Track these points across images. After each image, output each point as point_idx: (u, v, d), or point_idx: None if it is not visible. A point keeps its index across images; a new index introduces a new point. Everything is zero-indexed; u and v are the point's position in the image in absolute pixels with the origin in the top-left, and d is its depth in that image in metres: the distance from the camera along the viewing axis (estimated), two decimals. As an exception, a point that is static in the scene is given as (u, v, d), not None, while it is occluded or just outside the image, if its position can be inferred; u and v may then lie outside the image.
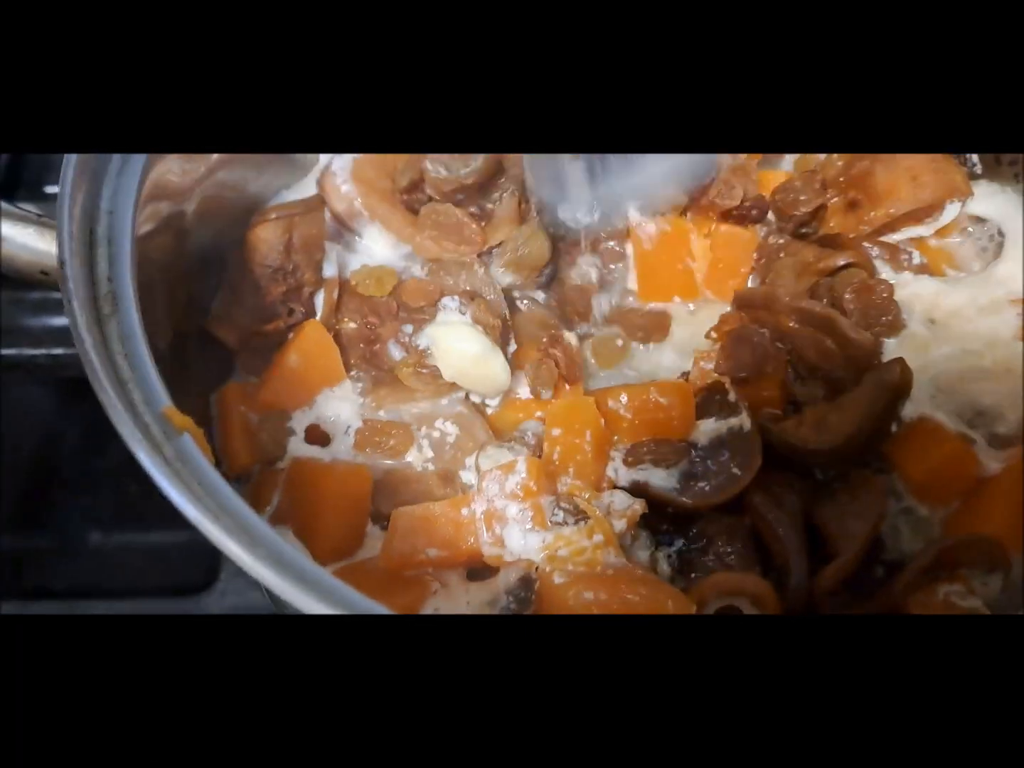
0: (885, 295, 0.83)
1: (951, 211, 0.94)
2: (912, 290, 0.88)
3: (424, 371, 0.81)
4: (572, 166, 0.82)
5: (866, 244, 0.90)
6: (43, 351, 0.98)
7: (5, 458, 1.10)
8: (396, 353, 0.84)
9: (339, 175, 0.89)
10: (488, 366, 0.81)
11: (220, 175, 0.83)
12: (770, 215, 0.93)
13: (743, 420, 0.77)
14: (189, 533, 1.04)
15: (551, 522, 0.70)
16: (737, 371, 0.81)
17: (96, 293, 0.61)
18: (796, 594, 0.70)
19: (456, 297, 0.82)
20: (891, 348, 0.84)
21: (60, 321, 1.20)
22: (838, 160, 0.94)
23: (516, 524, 0.70)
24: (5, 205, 0.68)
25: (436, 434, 0.81)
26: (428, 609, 0.70)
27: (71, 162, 0.64)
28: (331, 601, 0.51)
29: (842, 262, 0.86)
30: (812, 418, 0.76)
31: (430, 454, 0.81)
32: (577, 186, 0.83)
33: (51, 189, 1.13)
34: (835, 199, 0.92)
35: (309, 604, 0.50)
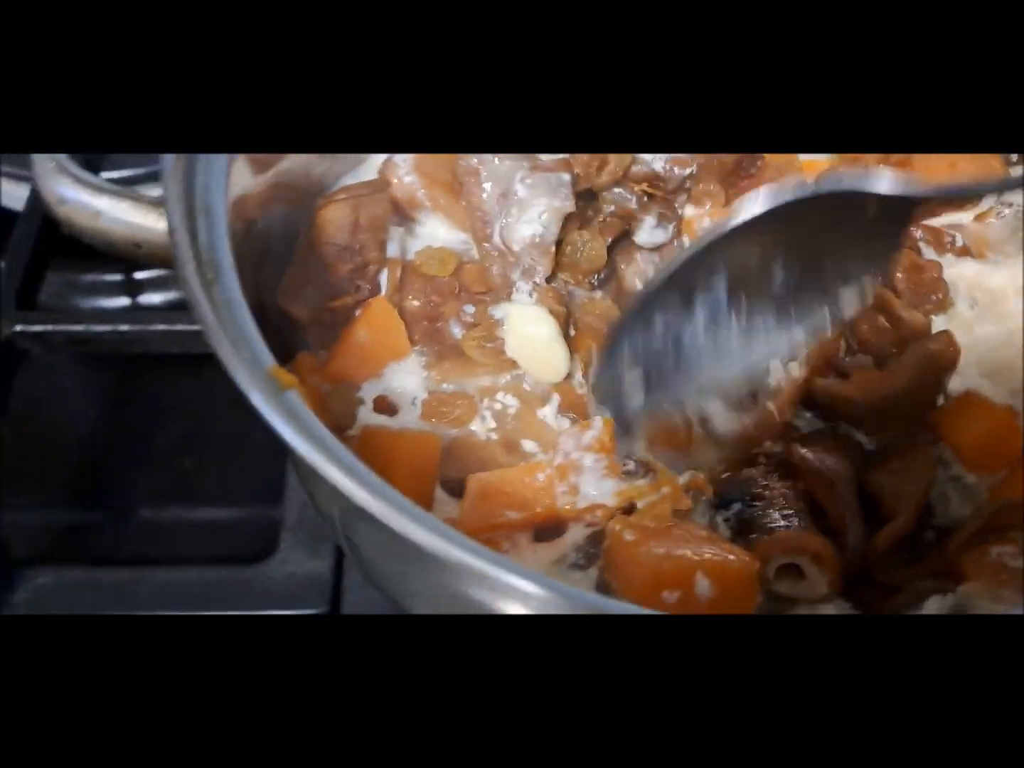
0: (935, 275, 0.87)
1: (989, 197, 0.97)
2: (956, 271, 0.91)
3: (488, 345, 0.85)
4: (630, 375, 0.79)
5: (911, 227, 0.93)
6: (109, 327, 1.00)
7: (64, 433, 1.14)
8: (457, 331, 0.88)
9: (402, 166, 0.92)
10: (553, 352, 0.85)
11: (287, 163, 0.87)
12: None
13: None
14: (245, 509, 1.10)
15: (624, 472, 0.75)
16: None
17: (199, 261, 0.65)
18: (853, 554, 0.73)
19: (529, 281, 0.85)
20: (938, 326, 0.87)
21: (111, 303, 1.25)
22: None
23: (591, 472, 0.75)
24: (100, 180, 0.72)
25: (498, 406, 0.85)
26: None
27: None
28: (441, 536, 0.55)
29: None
30: (858, 379, 0.80)
31: (493, 424, 0.84)
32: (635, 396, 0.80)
33: (106, 175, 1.16)
34: None
35: (427, 537, 0.54)
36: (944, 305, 0.87)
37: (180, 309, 1.00)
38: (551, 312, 0.86)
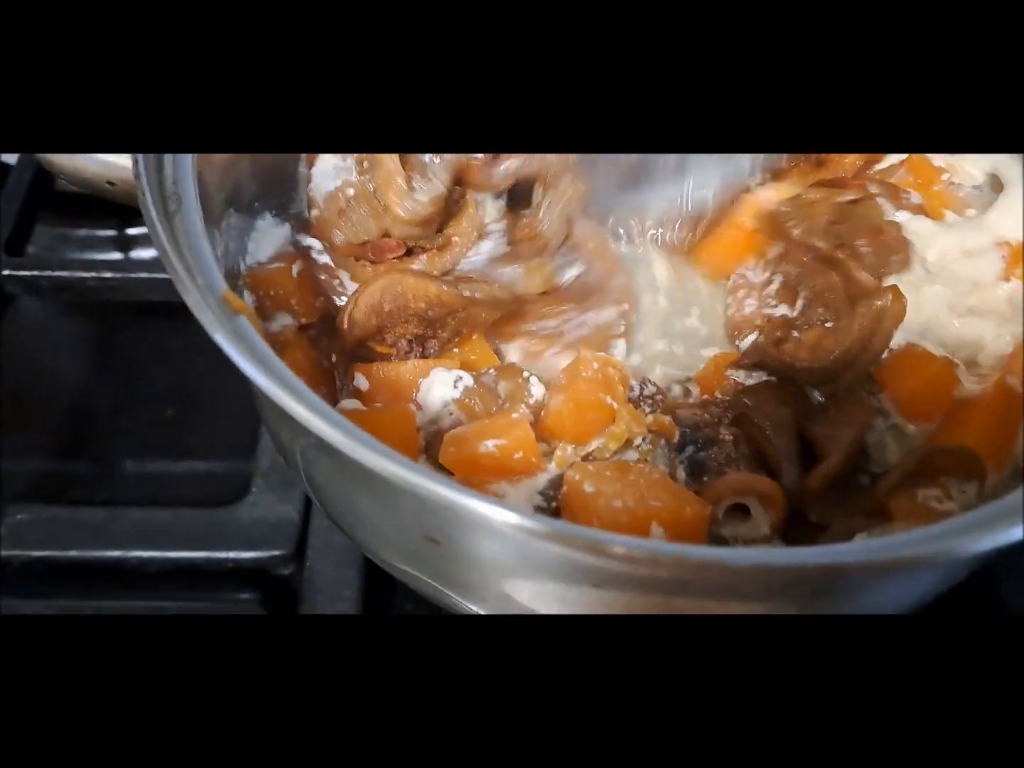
0: (896, 234, 0.90)
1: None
2: (910, 229, 0.92)
3: None
4: None
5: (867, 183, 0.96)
6: (94, 274, 1.04)
7: (50, 383, 1.17)
8: None
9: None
10: None
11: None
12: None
13: None
14: (221, 459, 1.13)
15: None
16: None
17: (164, 193, 0.68)
18: (788, 494, 0.77)
19: None
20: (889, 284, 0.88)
21: (104, 256, 1.28)
22: None
23: None
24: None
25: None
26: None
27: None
28: (384, 456, 0.57)
29: (850, 197, 0.93)
30: (809, 341, 0.83)
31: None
32: None
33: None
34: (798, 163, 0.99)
35: (371, 458, 0.56)
36: (906, 263, 0.90)
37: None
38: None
